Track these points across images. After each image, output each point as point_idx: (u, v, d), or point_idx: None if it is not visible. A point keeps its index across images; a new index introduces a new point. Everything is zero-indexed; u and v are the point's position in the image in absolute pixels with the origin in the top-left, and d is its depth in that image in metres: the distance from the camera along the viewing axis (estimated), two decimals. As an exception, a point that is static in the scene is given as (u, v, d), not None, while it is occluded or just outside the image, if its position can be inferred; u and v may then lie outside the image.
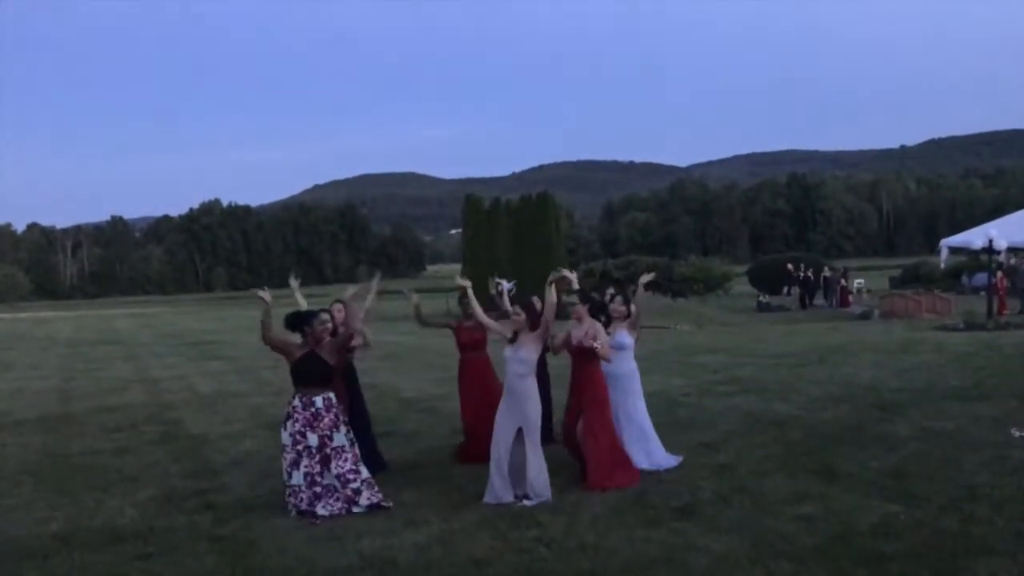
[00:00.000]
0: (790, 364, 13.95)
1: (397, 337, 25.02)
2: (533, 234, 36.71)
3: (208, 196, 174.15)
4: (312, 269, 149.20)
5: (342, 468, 6.52)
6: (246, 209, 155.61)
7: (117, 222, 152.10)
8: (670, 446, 8.12)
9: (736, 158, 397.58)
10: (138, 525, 6.51)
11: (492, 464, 6.68)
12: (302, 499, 6.48)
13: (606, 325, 7.47)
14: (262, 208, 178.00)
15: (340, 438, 6.58)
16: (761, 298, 38.38)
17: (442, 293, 62.17)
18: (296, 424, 6.55)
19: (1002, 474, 6.74)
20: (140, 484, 7.85)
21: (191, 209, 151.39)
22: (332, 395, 6.68)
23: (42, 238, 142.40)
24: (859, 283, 39.39)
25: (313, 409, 6.56)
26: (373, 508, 6.52)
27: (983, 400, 9.73)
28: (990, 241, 19.93)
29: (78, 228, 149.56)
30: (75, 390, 15.15)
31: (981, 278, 36.45)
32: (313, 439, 6.51)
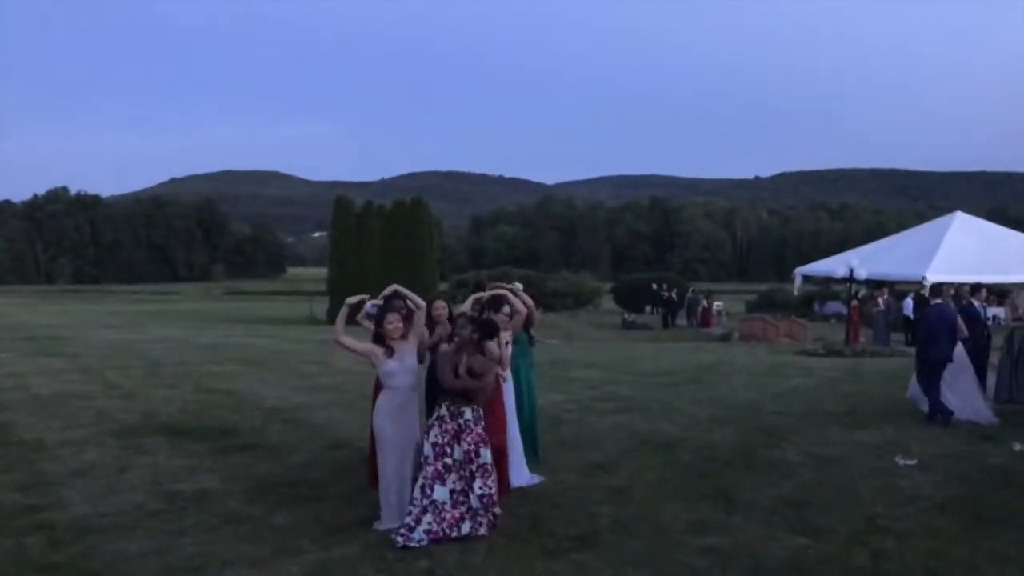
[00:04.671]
0: (666, 383, 13.83)
1: (256, 340, 23.84)
2: (405, 241, 36.05)
3: (55, 183, 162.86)
4: (165, 266, 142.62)
5: (487, 489, 5.78)
6: (95, 199, 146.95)
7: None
8: (559, 465, 7.77)
9: (601, 179, 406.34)
10: (-48, 549, 5.53)
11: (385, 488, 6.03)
12: (444, 518, 5.64)
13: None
14: (113, 199, 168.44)
15: (486, 455, 5.85)
16: (626, 316, 39.01)
17: (303, 296, 60.66)
18: (446, 436, 5.80)
19: (898, 504, 6.64)
20: (-43, 498, 6.77)
21: (35, 195, 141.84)
22: (480, 409, 5.98)
23: None
24: (718, 305, 40.53)
25: (461, 420, 5.83)
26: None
27: (862, 427, 9.77)
28: (851, 270, 20.67)
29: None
30: None
31: (833, 306, 38.28)
32: (459, 452, 5.78)
